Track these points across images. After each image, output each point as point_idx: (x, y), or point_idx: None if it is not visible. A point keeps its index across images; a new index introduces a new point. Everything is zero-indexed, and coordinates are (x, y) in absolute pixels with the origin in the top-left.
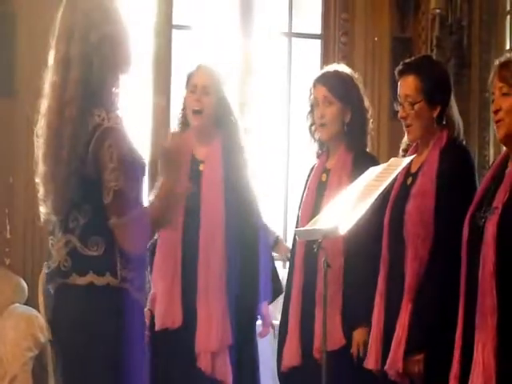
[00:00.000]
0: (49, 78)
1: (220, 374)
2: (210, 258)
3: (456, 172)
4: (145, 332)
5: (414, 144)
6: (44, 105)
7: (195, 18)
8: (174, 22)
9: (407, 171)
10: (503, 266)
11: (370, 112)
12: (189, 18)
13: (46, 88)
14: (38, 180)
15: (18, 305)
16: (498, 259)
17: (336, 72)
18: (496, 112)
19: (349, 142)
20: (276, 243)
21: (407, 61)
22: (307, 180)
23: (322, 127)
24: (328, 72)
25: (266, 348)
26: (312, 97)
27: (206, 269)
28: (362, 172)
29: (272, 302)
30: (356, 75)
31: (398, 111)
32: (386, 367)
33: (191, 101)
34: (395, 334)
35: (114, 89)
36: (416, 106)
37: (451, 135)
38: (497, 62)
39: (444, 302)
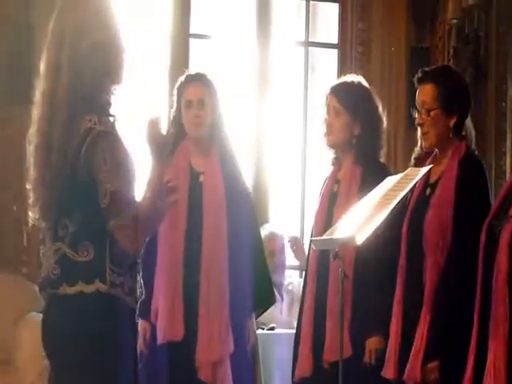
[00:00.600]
0: (40, 85)
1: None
2: (212, 269)
3: (475, 182)
4: (136, 336)
5: (433, 154)
6: (35, 111)
7: (213, 28)
8: (192, 31)
9: (425, 181)
10: None
11: (383, 125)
12: (206, 27)
13: (37, 95)
14: (28, 186)
15: (34, 313)
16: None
17: (349, 83)
18: None
19: (357, 154)
20: (294, 245)
21: (426, 69)
22: (321, 190)
23: (329, 135)
24: (342, 83)
25: (283, 356)
26: (325, 105)
27: (208, 280)
28: (371, 183)
29: (260, 315)
30: (372, 87)
31: (415, 118)
32: (404, 376)
33: (190, 117)
34: (414, 344)
35: (105, 95)
36: (432, 113)
37: (469, 146)
38: None
39: (461, 311)
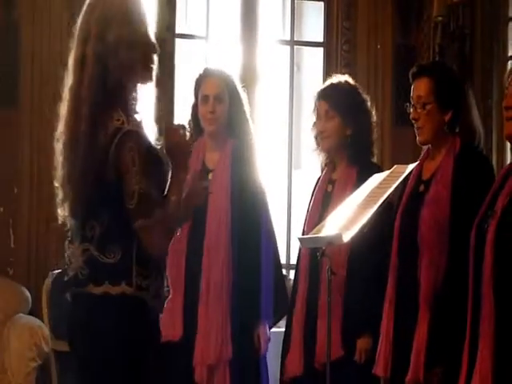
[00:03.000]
0: (67, 80)
1: None
2: (212, 269)
3: (472, 180)
4: (160, 339)
5: (425, 151)
6: (63, 107)
7: (198, 27)
8: (177, 31)
9: (418, 178)
10: (500, 271)
11: (373, 119)
12: (192, 26)
13: (65, 90)
14: (56, 184)
15: (21, 315)
16: (496, 264)
17: (338, 85)
18: (507, 108)
19: (352, 154)
20: None
21: (421, 64)
22: (313, 191)
23: (323, 140)
24: (330, 86)
25: (270, 354)
26: (315, 110)
27: (208, 280)
28: None
29: (276, 322)
30: (359, 85)
31: (409, 114)
32: (407, 378)
33: (205, 112)
34: (414, 344)
35: (129, 92)
36: (427, 107)
37: (467, 142)
38: None
39: (463, 313)
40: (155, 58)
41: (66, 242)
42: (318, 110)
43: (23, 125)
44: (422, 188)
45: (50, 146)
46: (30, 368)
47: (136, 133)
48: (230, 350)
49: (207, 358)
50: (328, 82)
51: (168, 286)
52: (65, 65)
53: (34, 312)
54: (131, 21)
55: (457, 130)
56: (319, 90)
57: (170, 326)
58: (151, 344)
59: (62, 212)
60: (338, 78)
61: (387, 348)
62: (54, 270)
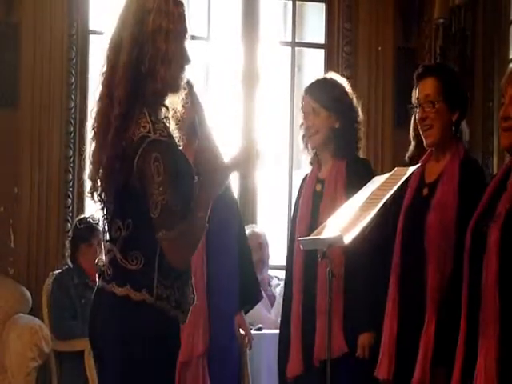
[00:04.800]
0: (102, 68)
1: None
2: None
3: (478, 185)
4: (178, 351)
5: (427, 153)
6: (95, 95)
7: (200, 28)
8: None
9: (421, 181)
10: (506, 273)
11: (360, 117)
12: (193, 28)
13: (99, 77)
14: (85, 178)
15: (21, 315)
16: (501, 266)
17: (322, 81)
18: (505, 119)
19: (339, 148)
20: None
21: (426, 64)
22: (300, 190)
23: (312, 136)
24: (314, 82)
25: (272, 356)
26: (302, 108)
27: None
28: (357, 179)
29: (247, 311)
30: (345, 82)
31: (409, 116)
32: (413, 380)
33: None
34: (421, 348)
35: (159, 84)
36: (437, 106)
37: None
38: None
39: None
40: (185, 68)
41: (67, 242)
42: (305, 106)
43: (23, 125)
44: (425, 191)
45: (50, 145)
46: (30, 368)
47: (162, 142)
48: (201, 346)
49: (196, 351)
50: (314, 80)
51: (194, 294)
52: (65, 65)
53: (34, 312)
54: (171, 14)
55: (458, 135)
56: (305, 87)
57: None
58: (168, 354)
59: (92, 200)
60: (324, 76)
61: (391, 349)
62: (55, 270)
